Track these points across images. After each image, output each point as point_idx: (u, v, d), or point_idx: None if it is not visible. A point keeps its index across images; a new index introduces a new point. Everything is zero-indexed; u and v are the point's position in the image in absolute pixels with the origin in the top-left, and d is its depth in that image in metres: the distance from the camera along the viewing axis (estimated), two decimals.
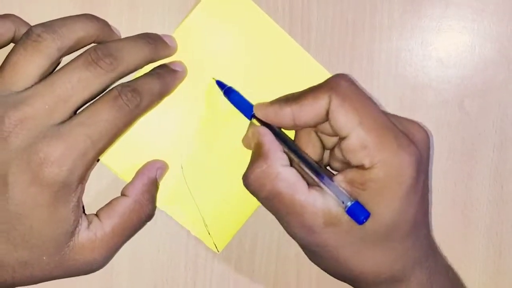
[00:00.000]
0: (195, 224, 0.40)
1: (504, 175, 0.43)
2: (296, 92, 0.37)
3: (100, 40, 0.36)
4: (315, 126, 0.37)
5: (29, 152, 0.32)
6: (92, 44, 0.36)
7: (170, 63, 0.38)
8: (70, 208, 0.34)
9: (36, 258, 0.34)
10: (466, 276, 0.43)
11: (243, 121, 0.39)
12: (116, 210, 0.36)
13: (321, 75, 0.40)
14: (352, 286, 0.38)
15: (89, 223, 0.36)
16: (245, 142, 0.39)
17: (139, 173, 0.38)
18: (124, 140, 0.38)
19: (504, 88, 0.43)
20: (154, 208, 0.38)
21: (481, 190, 0.43)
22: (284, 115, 0.36)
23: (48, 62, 0.34)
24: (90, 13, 0.37)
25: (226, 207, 0.41)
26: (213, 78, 0.40)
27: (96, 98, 0.34)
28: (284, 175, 0.35)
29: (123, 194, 0.37)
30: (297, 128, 0.38)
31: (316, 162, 0.36)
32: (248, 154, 0.37)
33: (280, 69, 0.41)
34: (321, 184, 0.35)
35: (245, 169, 0.36)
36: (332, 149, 0.39)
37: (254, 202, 0.37)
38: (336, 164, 0.39)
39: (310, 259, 0.38)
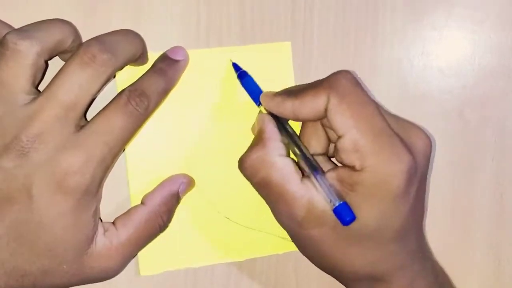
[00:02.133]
0: (275, 245, 0.41)
1: (504, 184, 0.44)
2: (301, 85, 0.37)
3: (74, 45, 0.36)
4: (318, 120, 0.37)
5: (52, 164, 0.33)
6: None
7: (171, 51, 0.38)
8: (91, 213, 0.35)
9: (56, 267, 0.34)
10: (465, 284, 0.44)
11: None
12: (132, 219, 0.37)
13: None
14: (337, 280, 0.38)
15: (105, 230, 0.36)
16: (253, 128, 0.40)
17: (161, 184, 0.39)
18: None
19: (504, 98, 0.44)
20: (168, 220, 0.38)
21: (481, 199, 0.44)
22: (286, 108, 0.36)
23: (33, 69, 0.33)
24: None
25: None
26: (231, 60, 0.40)
27: (107, 104, 0.34)
28: (279, 164, 0.35)
29: (142, 202, 0.38)
30: (299, 121, 0.38)
31: (313, 157, 0.37)
32: None
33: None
34: (313, 180, 0.35)
35: None
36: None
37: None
38: (338, 158, 0.38)
39: (298, 248, 0.38)
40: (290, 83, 0.41)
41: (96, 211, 0.35)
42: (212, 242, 0.41)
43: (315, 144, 0.38)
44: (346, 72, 0.36)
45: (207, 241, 0.41)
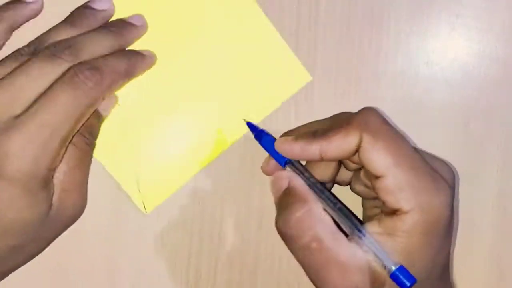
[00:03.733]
0: (127, 179, 0.40)
1: (508, 197, 0.43)
2: (322, 122, 0.36)
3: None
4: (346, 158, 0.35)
5: None
6: None
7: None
8: (44, 192, 0.34)
9: (23, 239, 0.34)
10: None
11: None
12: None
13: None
14: None
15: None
16: (272, 189, 0.36)
17: None
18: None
19: (509, 110, 0.43)
20: (92, 136, 0.37)
21: (484, 211, 0.43)
22: (311, 151, 0.34)
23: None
24: None
25: (165, 166, 0.40)
26: (244, 120, 0.39)
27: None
28: (327, 220, 0.33)
29: None
30: (325, 160, 0.36)
31: (351, 212, 0.34)
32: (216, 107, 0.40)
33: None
34: (363, 243, 0.32)
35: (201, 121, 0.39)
36: (356, 171, 0.37)
37: (195, 166, 0.39)
38: (359, 188, 0.37)
39: None
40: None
41: (52, 188, 0.34)
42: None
43: (323, 171, 0.36)
44: (373, 109, 0.34)
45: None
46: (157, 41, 0.39)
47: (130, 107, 0.39)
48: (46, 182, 0.33)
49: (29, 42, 0.36)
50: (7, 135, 0.32)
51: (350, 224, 0.33)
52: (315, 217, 0.33)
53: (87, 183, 0.37)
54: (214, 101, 0.40)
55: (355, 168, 0.36)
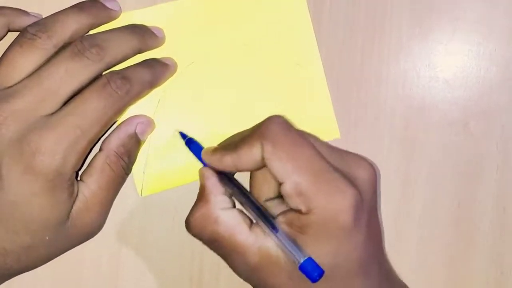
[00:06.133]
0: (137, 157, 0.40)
1: (507, 197, 0.44)
2: (239, 134, 0.37)
3: (97, 27, 0.37)
4: (260, 168, 0.36)
5: (21, 143, 0.33)
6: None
7: (161, 58, 0.39)
8: (67, 193, 0.35)
9: (39, 240, 0.34)
10: None
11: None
12: (94, 167, 0.37)
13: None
14: None
15: (78, 189, 0.36)
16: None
17: (117, 127, 0.38)
18: None
19: (508, 111, 0.44)
20: (131, 161, 0.38)
21: (484, 211, 0.44)
22: (226, 163, 0.36)
23: (43, 58, 0.35)
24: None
25: (175, 160, 0.41)
26: (177, 130, 0.40)
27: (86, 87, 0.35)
28: (223, 218, 0.35)
29: (100, 148, 0.38)
30: (242, 171, 0.37)
31: (263, 207, 0.36)
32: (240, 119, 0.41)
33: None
34: (273, 237, 0.34)
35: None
36: None
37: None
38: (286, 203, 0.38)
39: None
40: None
41: (73, 189, 0.35)
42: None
43: (267, 189, 0.37)
44: (276, 117, 0.35)
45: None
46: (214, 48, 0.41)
47: (166, 95, 0.40)
48: (69, 184, 0.34)
49: (39, 22, 0.36)
50: (39, 133, 0.33)
51: (262, 220, 0.35)
52: (212, 217, 0.35)
53: (110, 206, 0.38)
54: (242, 122, 0.40)
55: None
